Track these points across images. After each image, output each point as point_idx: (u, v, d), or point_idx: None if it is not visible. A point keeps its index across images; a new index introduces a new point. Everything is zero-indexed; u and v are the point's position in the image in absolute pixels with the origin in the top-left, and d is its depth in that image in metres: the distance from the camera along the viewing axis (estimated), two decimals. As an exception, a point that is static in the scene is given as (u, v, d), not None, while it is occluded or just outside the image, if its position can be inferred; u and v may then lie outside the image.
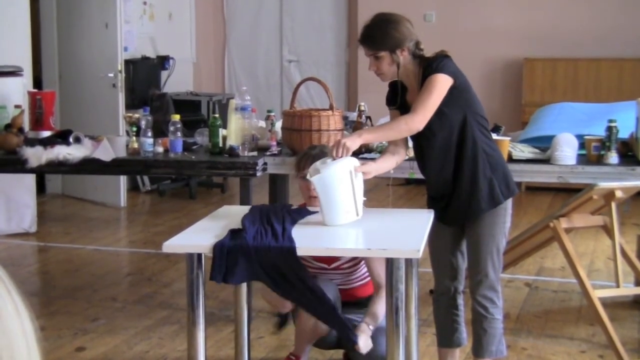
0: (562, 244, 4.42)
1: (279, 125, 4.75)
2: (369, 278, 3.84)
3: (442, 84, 3.35)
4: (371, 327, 3.57)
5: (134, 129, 4.71)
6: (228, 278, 3.08)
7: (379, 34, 3.43)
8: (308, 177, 3.33)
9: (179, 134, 4.62)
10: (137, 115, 4.85)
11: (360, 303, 3.82)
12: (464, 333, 3.76)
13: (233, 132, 4.62)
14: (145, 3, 9.09)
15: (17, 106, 5.19)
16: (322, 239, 3.22)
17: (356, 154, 3.71)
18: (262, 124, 4.90)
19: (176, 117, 4.66)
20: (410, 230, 3.29)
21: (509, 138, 4.54)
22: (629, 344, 4.37)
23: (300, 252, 3.14)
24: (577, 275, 4.36)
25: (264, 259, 3.04)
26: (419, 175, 3.87)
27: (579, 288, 4.52)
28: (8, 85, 5.93)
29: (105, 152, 4.55)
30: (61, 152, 4.56)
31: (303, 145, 4.24)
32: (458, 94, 3.40)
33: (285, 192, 5.03)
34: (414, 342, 3.56)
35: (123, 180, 7.99)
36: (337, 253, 3.47)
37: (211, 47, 10.43)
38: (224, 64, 10.60)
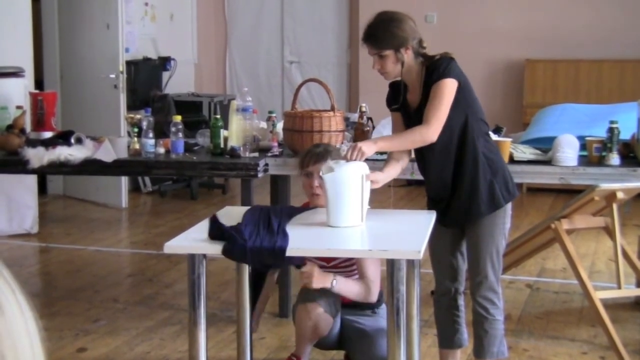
0: (563, 245, 4.42)
1: (280, 126, 4.75)
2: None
3: (450, 89, 3.36)
4: (335, 282, 3.55)
5: (136, 129, 4.71)
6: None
7: (383, 33, 3.43)
8: (321, 174, 3.34)
9: (180, 134, 4.62)
10: (138, 116, 4.85)
11: (359, 304, 3.81)
12: (465, 334, 3.76)
13: (234, 133, 4.62)
14: (146, 4, 9.09)
15: (18, 107, 5.19)
16: (323, 239, 3.22)
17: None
18: (264, 125, 4.90)
19: (177, 118, 4.66)
20: (411, 232, 3.29)
21: (510, 139, 4.54)
22: (630, 345, 4.36)
23: (301, 252, 3.15)
24: (578, 276, 4.36)
25: (256, 258, 3.05)
26: (419, 176, 3.88)
27: (581, 289, 4.52)
28: (9, 86, 5.93)
29: (107, 153, 4.55)
30: (62, 153, 4.56)
31: (304, 146, 4.24)
32: (461, 97, 3.41)
33: (286, 193, 5.03)
34: (415, 343, 3.56)
35: (124, 181, 8.00)
36: (339, 254, 3.47)
37: (212, 48, 10.43)
38: (225, 65, 10.60)
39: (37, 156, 4.56)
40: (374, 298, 3.72)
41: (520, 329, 4.71)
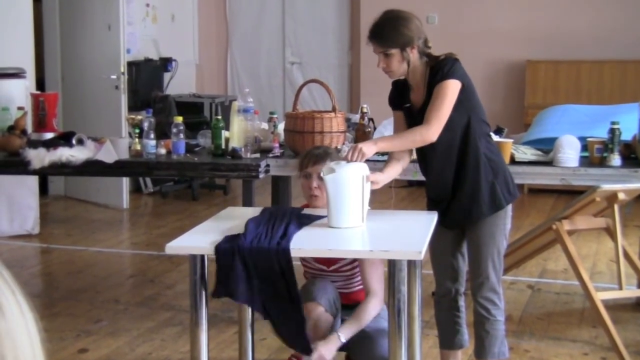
0: (564, 246, 4.42)
1: (281, 127, 4.75)
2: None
3: (453, 90, 3.35)
4: (342, 339, 3.49)
5: (137, 130, 4.71)
6: (228, 293, 3.09)
7: (390, 31, 3.42)
8: (322, 174, 3.35)
9: (181, 135, 4.63)
10: (139, 117, 4.85)
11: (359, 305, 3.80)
12: (466, 335, 3.76)
13: (235, 134, 4.62)
14: (147, 5, 9.10)
15: (19, 108, 5.19)
16: (324, 240, 3.22)
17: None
18: (265, 125, 4.90)
19: (179, 119, 4.66)
20: (412, 232, 3.29)
21: (511, 140, 4.54)
22: (631, 346, 4.36)
23: (302, 253, 3.15)
24: (579, 277, 4.36)
25: (258, 261, 3.05)
26: (421, 176, 3.88)
27: (582, 290, 4.52)
28: (11, 87, 5.93)
29: (108, 154, 4.55)
30: (64, 153, 4.56)
31: (305, 147, 4.24)
32: (464, 98, 3.41)
33: (287, 194, 5.03)
34: (417, 344, 3.56)
35: (125, 182, 8.00)
36: (339, 254, 3.47)
37: (214, 49, 10.43)
38: (227, 65, 10.60)
39: (39, 157, 4.56)
40: (377, 312, 3.69)
41: (522, 329, 4.70)
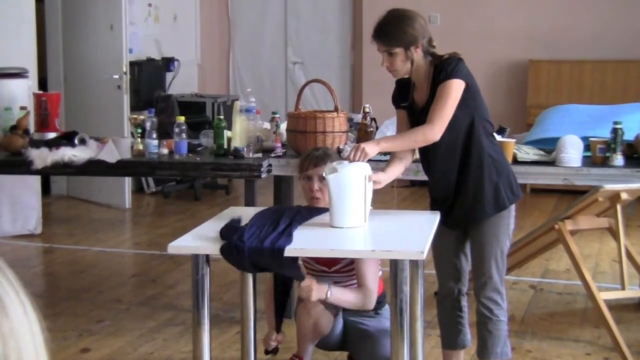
0: (567, 246, 4.42)
1: (283, 126, 4.75)
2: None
3: (456, 90, 3.35)
4: (329, 293, 3.53)
5: (139, 130, 4.71)
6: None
7: (394, 30, 3.42)
8: (324, 174, 3.35)
9: (183, 135, 4.63)
10: (142, 117, 4.85)
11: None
12: (468, 335, 3.76)
13: (238, 134, 4.62)
14: (150, 5, 9.10)
15: (22, 108, 5.19)
16: (325, 240, 3.22)
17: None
18: (267, 125, 4.90)
19: (181, 119, 4.66)
20: (414, 232, 3.29)
21: (513, 140, 4.53)
22: (634, 346, 4.36)
23: (303, 252, 3.16)
24: (582, 277, 4.36)
25: (255, 257, 3.06)
26: (422, 176, 3.87)
27: (584, 290, 4.52)
28: (13, 86, 5.94)
29: (110, 154, 4.55)
30: (66, 153, 4.56)
31: (308, 147, 4.24)
32: (468, 97, 3.40)
33: (289, 194, 5.03)
34: (419, 344, 3.56)
35: (128, 181, 8.00)
36: (342, 254, 3.47)
37: (216, 49, 10.44)
38: (229, 65, 10.61)
39: (41, 157, 4.56)
40: (371, 306, 3.70)
41: (524, 329, 4.70)
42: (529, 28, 9.13)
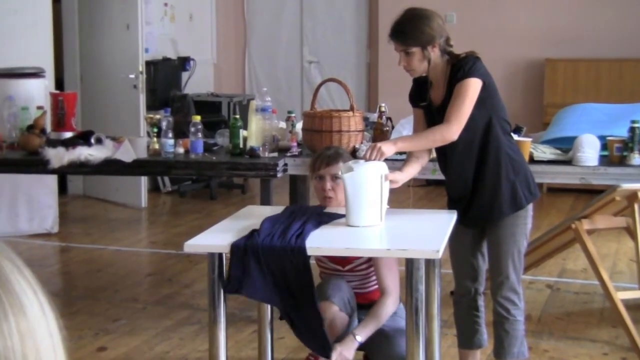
0: (584, 246, 4.40)
1: (299, 126, 4.75)
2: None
3: (473, 89, 3.34)
4: (359, 338, 3.49)
5: (155, 130, 4.72)
6: (243, 288, 3.08)
7: (411, 30, 3.41)
8: (340, 173, 3.35)
9: (199, 134, 4.63)
10: (158, 116, 4.86)
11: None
12: (485, 334, 3.75)
13: (253, 133, 4.62)
14: (166, 4, 9.12)
15: (39, 107, 5.21)
16: (341, 238, 3.22)
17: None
18: (283, 124, 4.90)
19: (197, 118, 4.67)
20: (430, 231, 3.28)
21: (530, 139, 4.52)
22: (651, 346, 4.33)
23: (319, 251, 3.15)
24: (599, 277, 4.34)
25: (271, 259, 3.05)
26: (439, 175, 3.86)
27: (601, 290, 4.50)
28: (30, 86, 5.96)
29: (127, 153, 4.57)
30: (83, 153, 4.58)
31: (323, 146, 4.23)
32: (486, 96, 3.39)
33: (305, 193, 5.03)
34: (436, 343, 3.55)
35: (144, 181, 8.02)
36: (357, 253, 3.46)
37: (232, 48, 10.45)
38: (245, 65, 10.61)
39: (58, 156, 4.58)
40: (394, 310, 3.69)
41: (541, 329, 4.68)
42: (546, 27, 9.09)
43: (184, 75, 9.04)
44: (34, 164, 4.70)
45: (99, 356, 4.33)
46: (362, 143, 4.48)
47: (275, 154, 4.58)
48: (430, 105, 3.54)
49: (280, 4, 10.38)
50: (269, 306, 3.66)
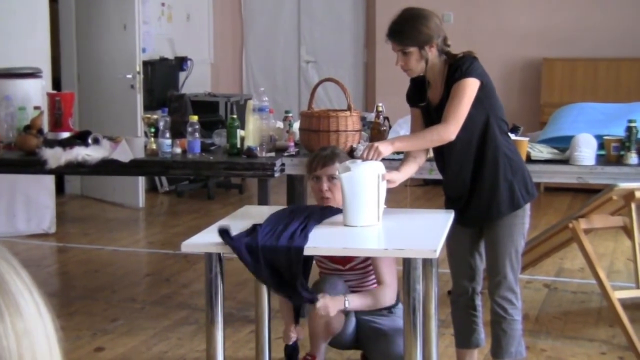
0: (581, 245, 4.40)
1: (296, 126, 4.75)
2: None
3: (471, 89, 3.34)
4: (347, 304, 3.52)
5: (152, 130, 4.72)
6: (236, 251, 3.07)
7: (409, 29, 3.41)
8: (337, 173, 3.35)
9: (197, 134, 4.63)
10: (155, 116, 4.86)
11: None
12: (482, 334, 3.75)
13: (251, 133, 4.62)
14: (163, 4, 9.12)
15: (36, 107, 5.21)
16: (339, 238, 3.22)
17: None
18: (280, 124, 4.90)
19: (194, 118, 4.67)
20: (428, 231, 3.28)
21: (527, 138, 4.52)
22: (649, 345, 4.33)
23: (317, 251, 3.16)
24: (596, 276, 4.34)
25: (269, 257, 3.05)
26: (436, 175, 3.87)
27: (599, 289, 4.50)
28: (27, 86, 5.96)
29: (124, 153, 4.57)
30: (80, 153, 4.58)
31: (321, 146, 4.24)
32: (483, 96, 3.39)
33: (303, 193, 5.04)
34: (433, 343, 3.56)
35: (141, 181, 8.02)
36: (354, 253, 3.47)
37: (229, 48, 10.44)
38: (242, 64, 10.61)
39: (55, 156, 4.58)
40: (390, 302, 3.71)
41: (538, 329, 4.69)
42: (543, 26, 9.10)
43: (181, 75, 9.04)
44: (31, 164, 4.70)
45: (97, 356, 4.33)
46: (359, 143, 4.48)
47: (273, 154, 4.58)
48: (428, 105, 3.54)
49: (277, 4, 10.38)
50: (266, 307, 3.66)
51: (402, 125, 4.65)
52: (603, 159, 4.38)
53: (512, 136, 4.30)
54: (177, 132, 5.06)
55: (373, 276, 3.77)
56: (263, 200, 4.54)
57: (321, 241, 3.11)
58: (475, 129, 3.42)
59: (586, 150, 4.32)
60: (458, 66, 3.37)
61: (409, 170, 3.55)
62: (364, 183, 3.27)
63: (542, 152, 4.46)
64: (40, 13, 6.87)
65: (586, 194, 7.26)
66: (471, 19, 9.28)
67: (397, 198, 6.72)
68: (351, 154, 4.30)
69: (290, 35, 10.40)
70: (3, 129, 5.03)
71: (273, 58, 10.48)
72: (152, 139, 4.70)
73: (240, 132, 4.70)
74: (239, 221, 3.39)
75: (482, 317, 3.75)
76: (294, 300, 3.43)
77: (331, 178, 3.65)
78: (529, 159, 4.32)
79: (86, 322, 4.80)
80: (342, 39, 10.20)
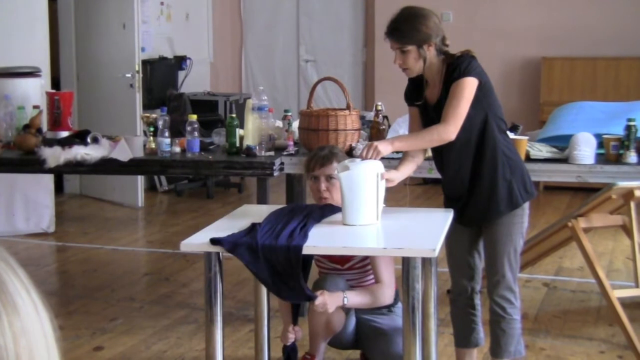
0: (580, 244, 4.40)
1: (295, 125, 4.75)
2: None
3: (470, 88, 3.34)
4: (345, 300, 3.52)
5: (152, 129, 4.72)
6: (234, 249, 3.06)
7: (407, 28, 3.41)
8: (336, 172, 3.35)
9: (196, 134, 4.63)
10: (154, 116, 4.86)
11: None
12: (482, 333, 3.75)
13: (250, 132, 4.62)
14: (162, 3, 9.12)
15: (35, 106, 5.20)
16: (338, 237, 3.22)
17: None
18: (279, 123, 4.90)
19: (193, 117, 4.67)
20: (427, 230, 3.28)
21: (526, 137, 4.52)
22: (648, 344, 4.33)
23: (316, 250, 3.15)
24: (595, 275, 4.34)
25: (268, 256, 3.05)
26: (436, 174, 3.87)
27: (598, 288, 4.50)
28: (26, 85, 5.95)
29: (123, 152, 4.56)
30: (79, 152, 4.58)
31: (319, 145, 4.23)
32: (482, 95, 3.39)
33: (302, 192, 5.03)
34: (432, 342, 3.56)
35: (140, 180, 8.02)
36: (354, 252, 3.47)
37: (228, 47, 10.44)
38: (241, 63, 10.61)
39: (54, 155, 4.57)
40: (389, 301, 3.71)
41: (537, 328, 4.69)
42: (543, 25, 9.10)
43: (181, 74, 9.04)
44: (30, 163, 4.70)
45: (96, 356, 4.33)
46: (358, 142, 4.48)
47: (272, 153, 4.58)
48: (426, 104, 3.54)
49: (276, 3, 10.38)
50: (266, 306, 3.66)
51: (401, 124, 4.65)
52: (602, 158, 4.38)
53: (512, 135, 4.30)
54: (176, 131, 5.06)
55: (372, 275, 3.77)
56: (262, 199, 4.54)
57: (320, 240, 3.11)
58: (474, 129, 3.42)
59: (585, 149, 4.32)
60: (456, 65, 3.37)
61: (408, 170, 3.55)
62: (362, 182, 3.27)
63: (542, 151, 4.46)
64: (39, 12, 6.86)
65: (585, 192, 7.26)
66: (471, 18, 9.28)
67: (396, 197, 6.72)
68: (350, 153, 4.30)
69: (290, 35, 10.40)
70: (2, 128, 5.03)
71: (272, 57, 10.48)
72: (151, 138, 4.70)
73: (239, 131, 4.70)
74: (238, 220, 3.39)
75: (481, 316, 3.75)
76: (292, 299, 3.42)
77: (329, 178, 3.65)
78: (528, 158, 4.32)
79: (85, 321, 4.80)
80: (341, 38, 10.20)
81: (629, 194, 4.21)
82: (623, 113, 4.68)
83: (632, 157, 4.29)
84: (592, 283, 4.89)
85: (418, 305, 3.04)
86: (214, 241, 3.06)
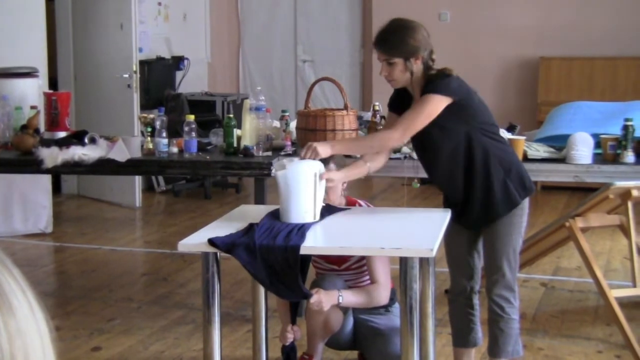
0: (578, 244, 4.40)
1: (293, 125, 4.75)
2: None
3: (434, 105, 3.32)
4: (341, 299, 3.52)
5: (149, 129, 4.72)
6: (231, 250, 3.06)
7: (395, 40, 3.40)
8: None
9: (193, 134, 4.63)
10: (152, 116, 4.86)
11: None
12: (480, 333, 3.75)
13: (247, 132, 4.62)
14: (160, 4, 9.11)
15: (32, 107, 5.20)
16: (335, 238, 3.22)
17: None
18: (277, 124, 4.90)
19: (191, 118, 4.67)
20: (424, 230, 3.28)
21: (524, 137, 4.52)
22: (646, 344, 4.34)
23: (313, 250, 3.15)
24: (593, 275, 4.34)
25: (266, 256, 3.05)
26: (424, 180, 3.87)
27: (596, 288, 4.50)
28: (24, 86, 5.94)
29: (121, 153, 4.56)
30: (76, 152, 4.57)
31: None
32: (458, 110, 3.37)
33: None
34: (430, 342, 3.56)
35: (138, 180, 8.01)
36: (352, 252, 3.47)
37: (226, 48, 10.44)
38: (239, 64, 10.61)
39: (51, 156, 4.57)
40: (384, 301, 3.71)
41: (535, 327, 4.69)
42: (540, 25, 9.10)
43: (178, 75, 9.03)
44: (27, 163, 4.70)
45: (94, 356, 4.33)
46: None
47: (269, 153, 4.58)
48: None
49: (274, 3, 10.38)
50: (263, 306, 3.66)
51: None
52: (600, 158, 4.39)
53: (509, 135, 4.31)
54: (174, 131, 5.05)
55: (368, 275, 3.77)
56: (260, 200, 4.54)
57: (318, 240, 3.11)
58: (460, 139, 3.41)
59: (583, 149, 4.32)
60: (431, 81, 3.37)
61: (355, 172, 3.54)
62: (299, 181, 3.27)
63: (539, 150, 4.46)
64: (36, 12, 6.86)
65: (583, 192, 7.26)
66: (468, 18, 9.27)
67: (394, 197, 6.72)
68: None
69: (287, 35, 10.40)
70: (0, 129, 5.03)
71: (270, 57, 10.48)
72: (149, 139, 4.70)
73: (237, 132, 4.70)
74: (236, 220, 3.39)
75: (480, 316, 3.75)
76: (290, 297, 3.42)
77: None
78: (526, 158, 4.32)
79: (83, 322, 4.79)
80: (338, 38, 10.20)
81: (626, 194, 4.22)
82: (620, 113, 4.69)
83: (629, 157, 4.30)
84: (590, 283, 4.90)
85: (416, 305, 3.04)
86: (212, 241, 3.06)
